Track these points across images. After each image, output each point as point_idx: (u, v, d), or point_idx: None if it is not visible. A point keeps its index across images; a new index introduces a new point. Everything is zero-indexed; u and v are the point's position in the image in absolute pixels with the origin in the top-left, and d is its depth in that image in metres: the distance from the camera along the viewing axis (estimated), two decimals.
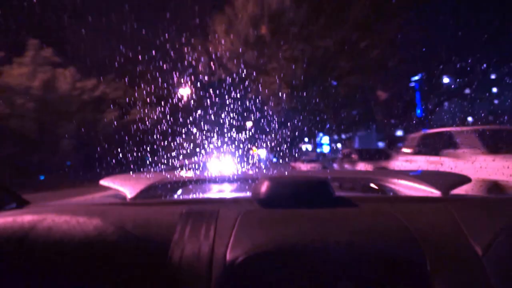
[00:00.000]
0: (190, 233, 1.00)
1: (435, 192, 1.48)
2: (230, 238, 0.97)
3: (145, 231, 1.02)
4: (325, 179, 1.25)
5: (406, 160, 7.41)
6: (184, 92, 16.48)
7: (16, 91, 12.29)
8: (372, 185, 2.03)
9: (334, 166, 13.17)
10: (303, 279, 0.91)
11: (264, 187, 1.19)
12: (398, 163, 7.79)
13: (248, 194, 1.38)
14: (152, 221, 1.07)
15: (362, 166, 10.53)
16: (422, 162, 6.58)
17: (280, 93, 17.74)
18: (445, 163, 5.69)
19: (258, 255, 0.91)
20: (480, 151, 5.26)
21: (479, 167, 4.94)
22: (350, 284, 0.91)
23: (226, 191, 2.31)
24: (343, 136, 25.31)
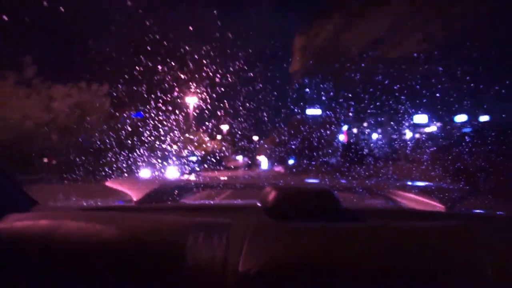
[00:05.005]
0: (202, 244, 1.00)
1: (439, 206, 1.48)
2: (242, 250, 0.97)
3: (158, 239, 1.03)
4: (330, 190, 1.26)
5: None
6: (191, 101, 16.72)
7: None
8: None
9: None
10: None
11: (272, 197, 1.20)
12: None
13: (255, 201, 1.39)
14: (163, 228, 1.07)
15: None
16: None
17: None
18: None
19: (269, 268, 0.92)
20: None
21: None
22: None
23: (232, 197, 2.31)
24: None
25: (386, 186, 1.97)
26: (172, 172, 11.19)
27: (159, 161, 11.14)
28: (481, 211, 1.46)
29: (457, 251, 0.99)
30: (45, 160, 12.37)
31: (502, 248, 1.00)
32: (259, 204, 1.27)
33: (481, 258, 0.97)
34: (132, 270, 0.97)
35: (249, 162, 17.76)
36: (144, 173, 10.54)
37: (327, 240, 1.01)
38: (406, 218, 1.39)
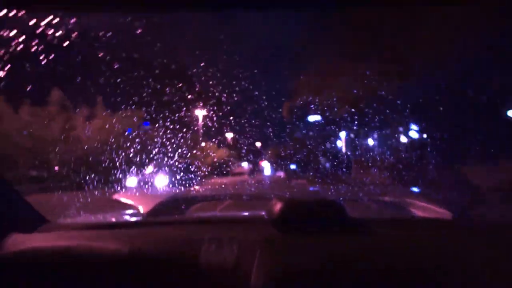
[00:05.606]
0: (213, 258, 1.01)
1: (447, 214, 1.47)
2: (253, 264, 0.97)
3: (169, 256, 1.04)
4: (337, 201, 1.26)
5: None
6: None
7: None
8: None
9: None
10: None
11: (278, 209, 1.19)
12: None
13: (262, 212, 1.39)
14: (174, 244, 1.09)
15: None
16: None
17: None
18: None
19: (280, 282, 0.92)
20: None
21: None
22: None
23: (237, 206, 2.30)
24: None
25: (393, 194, 1.96)
26: (161, 182, 11.37)
27: (167, 176, 11.39)
28: (488, 218, 1.46)
29: (466, 260, 0.98)
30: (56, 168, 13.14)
31: (503, 255, 1.00)
32: (265, 216, 1.28)
33: (485, 265, 0.96)
34: (145, 287, 0.99)
35: (254, 169, 19.52)
36: (131, 181, 10.76)
37: (336, 252, 1.01)
38: (415, 227, 1.38)
